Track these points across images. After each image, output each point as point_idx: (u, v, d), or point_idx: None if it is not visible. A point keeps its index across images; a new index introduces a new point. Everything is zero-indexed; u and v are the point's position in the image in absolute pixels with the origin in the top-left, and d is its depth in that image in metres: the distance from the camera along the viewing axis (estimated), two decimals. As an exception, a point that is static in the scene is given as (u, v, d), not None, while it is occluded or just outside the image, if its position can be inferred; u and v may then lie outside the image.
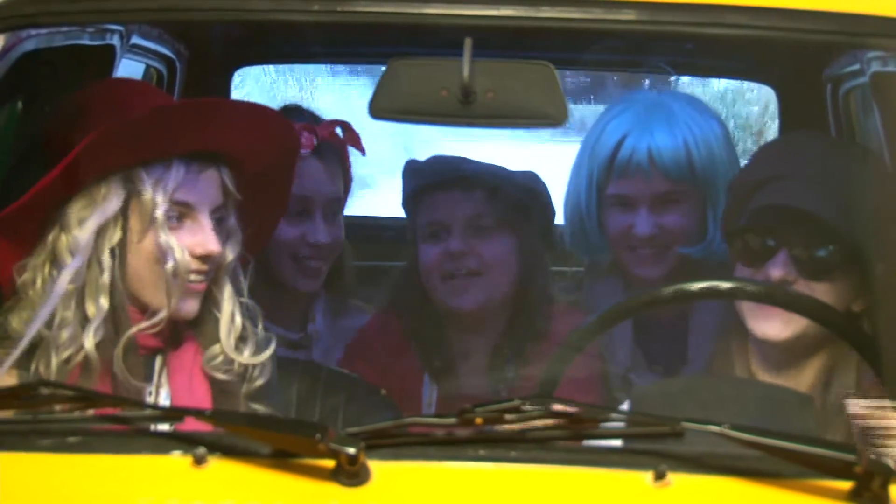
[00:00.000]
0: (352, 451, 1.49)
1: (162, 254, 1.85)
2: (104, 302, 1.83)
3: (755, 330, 2.03)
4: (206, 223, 1.88)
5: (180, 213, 1.88)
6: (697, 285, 1.93)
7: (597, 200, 2.49)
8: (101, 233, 1.84)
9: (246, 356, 1.92)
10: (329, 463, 1.51)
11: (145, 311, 1.88)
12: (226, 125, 1.92)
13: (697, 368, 2.33)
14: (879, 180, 2.00)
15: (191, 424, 1.66)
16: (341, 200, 2.59)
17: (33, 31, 2.04)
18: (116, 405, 1.68)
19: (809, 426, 1.85)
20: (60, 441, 1.59)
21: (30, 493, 1.54)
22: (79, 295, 1.84)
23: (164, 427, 1.68)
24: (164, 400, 1.91)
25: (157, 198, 1.84)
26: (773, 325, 2.01)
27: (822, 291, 1.98)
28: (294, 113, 2.71)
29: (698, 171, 2.41)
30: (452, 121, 1.85)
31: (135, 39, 2.63)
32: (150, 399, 1.89)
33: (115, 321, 1.85)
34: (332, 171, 2.56)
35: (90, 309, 1.83)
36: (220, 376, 1.91)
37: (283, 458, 1.54)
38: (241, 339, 1.93)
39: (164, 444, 1.58)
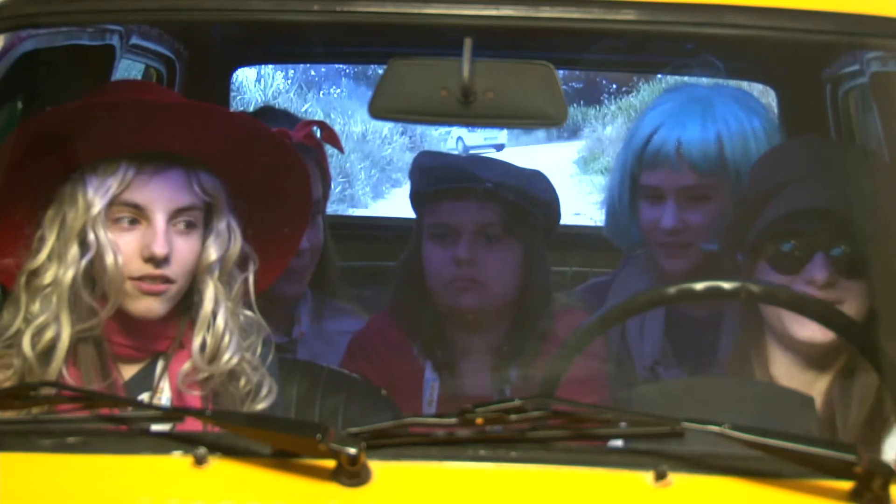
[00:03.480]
0: (352, 451, 1.49)
1: (98, 255, 1.85)
2: (55, 300, 1.84)
3: (797, 333, 2.00)
4: (159, 225, 1.86)
5: (131, 214, 1.87)
6: (700, 285, 1.92)
7: (630, 191, 2.49)
8: (62, 233, 1.85)
9: (224, 360, 1.90)
10: (330, 463, 1.51)
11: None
12: (175, 126, 1.90)
13: (724, 368, 2.33)
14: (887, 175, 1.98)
15: (191, 424, 1.66)
16: (319, 202, 2.57)
17: (33, 31, 2.04)
18: (116, 405, 1.68)
19: (809, 426, 1.85)
20: (60, 441, 1.59)
21: (30, 493, 1.54)
22: (47, 292, 1.85)
23: (164, 427, 1.67)
24: (164, 403, 1.90)
25: (94, 199, 1.84)
26: (814, 328, 1.97)
27: (862, 290, 1.98)
28: (267, 115, 2.69)
29: (730, 166, 2.39)
30: (452, 121, 1.85)
31: (134, 39, 2.63)
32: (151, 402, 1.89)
33: (81, 320, 1.86)
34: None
35: (36, 307, 1.84)
36: (194, 392, 1.91)
37: (283, 459, 1.54)
38: (221, 342, 1.91)
39: (164, 444, 1.58)
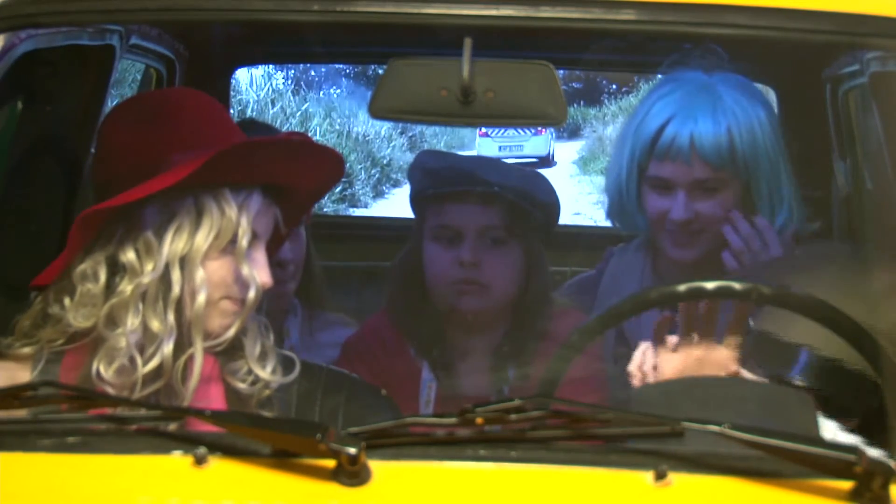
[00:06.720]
0: (352, 450, 1.49)
1: (241, 283, 1.85)
2: (171, 317, 1.82)
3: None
4: (263, 255, 1.89)
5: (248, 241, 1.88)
6: (710, 284, 1.91)
7: (637, 180, 2.48)
8: (173, 244, 1.82)
9: (267, 372, 1.93)
10: (329, 463, 1.51)
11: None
12: (302, 163, 1.94)
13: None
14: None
15: (191, 424, 1.66)
16: None
17: (33, 31, 2.04)
18: (116, 405, 1.68)
19: (809, 426, 1.85)
20: (60, 441, 1.59)
21: (30, 493, 1.54)
22: (145, 303, 1.82)
23: (164, 427, 1.67)
24: None
25: (241, 222, 1.84)
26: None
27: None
28: (249, 127, 2.69)
29: (740, 159, 2.38)
30: (452, 121, 1.85)
31: (134, 39, 2.63)
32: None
33: (180, 335, 1.84)
34: None
35: (155, 322, 1.81)
36: (242, 386, 1.92)
37: (283, 458, 1.54)
38: (262, 356, 1.93)
39: (164, 444, 1.58)
